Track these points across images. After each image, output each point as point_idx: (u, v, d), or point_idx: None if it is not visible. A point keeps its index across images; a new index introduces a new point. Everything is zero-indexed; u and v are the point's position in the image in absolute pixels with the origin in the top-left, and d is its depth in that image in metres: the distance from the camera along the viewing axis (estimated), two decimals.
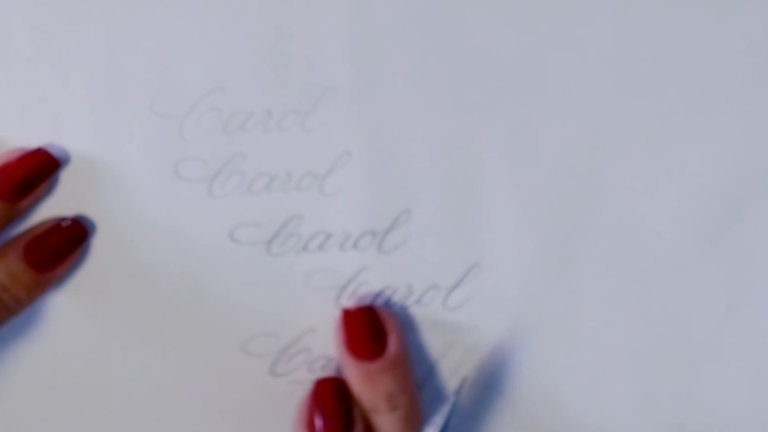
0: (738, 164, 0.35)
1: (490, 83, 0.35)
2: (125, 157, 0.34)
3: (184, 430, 0.35)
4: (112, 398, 0.35)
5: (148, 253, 0.35)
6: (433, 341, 0.35)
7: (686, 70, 0.35)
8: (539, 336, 0.35)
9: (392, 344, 0.33)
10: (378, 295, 0.35)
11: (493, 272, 0.35)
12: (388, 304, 0.35)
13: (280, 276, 0.35)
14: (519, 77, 0.35)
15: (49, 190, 0.34)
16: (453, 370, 0.35)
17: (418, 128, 0.35)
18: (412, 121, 0.35)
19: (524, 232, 0.35)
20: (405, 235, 0.35)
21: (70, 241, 0.34)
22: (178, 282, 0.35)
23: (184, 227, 0.35)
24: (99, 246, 0.35)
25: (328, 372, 0.35)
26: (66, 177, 0.34)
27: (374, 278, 0.35)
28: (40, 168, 0.34)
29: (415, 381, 0.34)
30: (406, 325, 0.35)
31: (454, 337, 0.35)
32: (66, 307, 0.35)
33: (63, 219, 0.34)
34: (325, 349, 0.35)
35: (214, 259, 0.35)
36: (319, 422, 0.33)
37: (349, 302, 0.35)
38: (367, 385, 0.33)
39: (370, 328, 0.33)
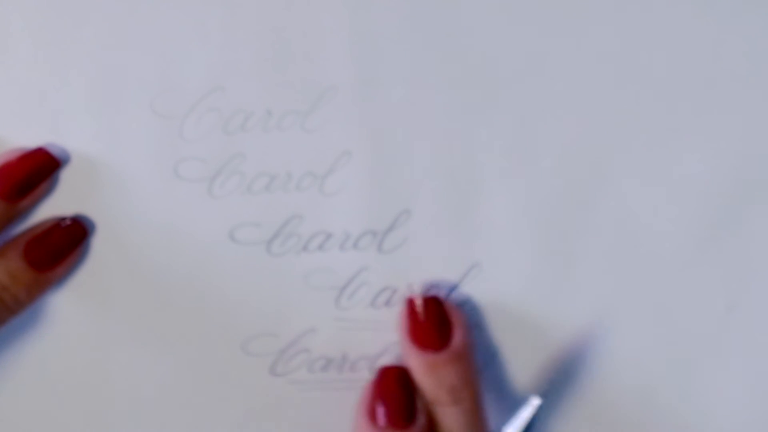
0: (738, 164, 0.35)
1: (490, 83, 0.35)
2: (125, 157, 0.34)
3: (184, 430, 0.35)
4: (111, 398, 0.35)
5: (148, 253, 0.35)
6: None
7: (686, 70, 0.35)
8: (539, 336, 0.35)
9: (457, 337, 0.33)
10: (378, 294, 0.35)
11: (493, 272, 0.35)
12: (388, 303, 0.35)
13: (280, 276, 0.35)
14: (519, 77, 0.35)
15: (49, 190, 0.34)
16: None
17: (418, 128, 0.35)
18: (412, 121, 0.35)
19: (524, 232, 0.35)
20: (405, 235, 0.35)
21: (70, 240, 0.34)
22: (178, 282, 0.35)
23: (184, 227, 0.35)
24: (99, 246, 0.35)
25: (329, 372, 0.35)
26: (66, 177, 0.34)
27: (374, 278, 0.35)
28: (40, 168, 0.34)
29: (478, 376, 0.33)
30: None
31: None
32: (66, 307, 0.35)
33: (63, 219, 0.34)
34: (325, 349, 0.35)
35: (214, 259, 0.35)
36: (381, 410, 0.32)
37: (416, 292, 0.34)
38: (430, 377, 0.32)
39: (436, 318, 0.33)
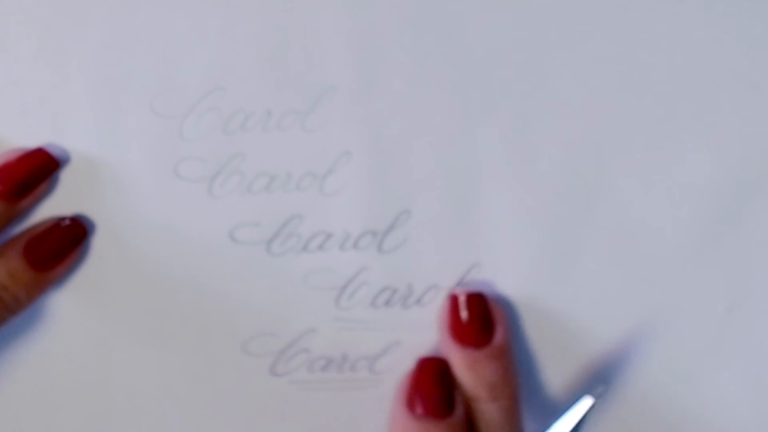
0: (738, 164, 0.35)
1: (490, 83, 0.35)
2: (125, 157, 0.34)
3: (184, 430, 0.35)
4: (111, 398, 0.35)
5: (148, 252, 0.35)
6: (433, 341, 0.35)
7: (686, 70, 0.35)
8: (539, 336, 0.35)
9: (499, 334, 0.33)
10: (380, 294, 0.35)
11: (493, 272, 0.35)
12: (388, 303, 0.35)
13: (280, 276, 0.35)
14: (519, 77, 0.35)
15: (49, 190, 0.34)
16: None
17: (418, 128, 0.35)
18: (412, 121, 0.35)
19: (524, 232, 0.35)
20: (405, 235, 0.35)
21: (69, 240, 0.34)
22: (178, 282, 0.35)
23: (184, 227, 0.35)
24: (99, 246, 0.35)
25: (329, 372, 0.35)
26: (66, 177, 0.34)
27: (374, 278, 0.35)
28: (40, 168, 0.34)
29: (517, 373, 0.33)
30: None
31: None
32: (66, 307, 0.35)
33: (63, 218, 0.34)
34: (325, 349, 0.35)
35: (214, 259, 0.35)
36: (419, 402, 0.32)
37: (459, 288, 0.34)
38: (470, 373, 0.32)
39: (479, 315, 0.33)
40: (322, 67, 0.34)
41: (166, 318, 0.35)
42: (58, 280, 0.34)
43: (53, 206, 0.34)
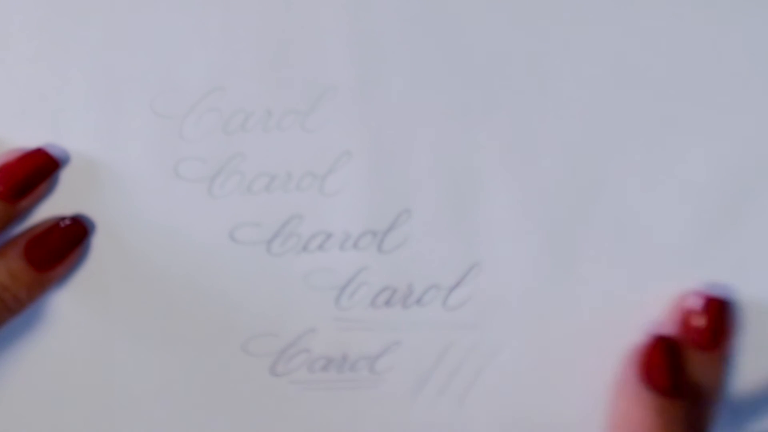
0: (738, 164, 0.35)
1: (490, 83, 0.35)
2: (125, 157, 0.34)
3: (184, 430, 0.35)
4: (112, 398, 0.35)
5: (148, 252, 0.35)
6: (433, 341, 0.35)
7: (686, 70, 0.35)
8: (539, 336, 0.35)
9: (729, 341, 0.34)
10: (377, 294, 0.35)
11: (493, 272, 0.35)
12: (388, 303, 0.35)
13: (280, 276, 0.35)
14: (519, 77, 0.35)
15: (49, 190, 0.34)
16: (453, 370, 0.35)
17: (418, 128, 0.35)
18: (412, 121, 0.35)
19: (524, 231, 0.35)
20: (405, 235, 0.35)
21: (70, 240, 0.34)
22: (178, 282, 0.35)
23: (184, 227, 0.35)
24: (99, 246, 0.35)
25: (329, 372, 0.35)
26: (66, 177, 0.34)
27: (374, 278, 0.35)
28: (40, 168, 0.34)
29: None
30: (408, 324, 0.35)
31: (454, 337, 0.35)
32: (66, 307, 0.35)
33: (63, 218, 0.34)
34: (325, 349, 0.35)
35: (214, 259, 0.35)
36: (658, 374, 0.33)
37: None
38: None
39: (717, 320, 0.34)
40: (322, 67, 0.34)
41: (167, 318, 0.35)
42: (59, 280, 0.34)
43: (53, 206, 0.34)
